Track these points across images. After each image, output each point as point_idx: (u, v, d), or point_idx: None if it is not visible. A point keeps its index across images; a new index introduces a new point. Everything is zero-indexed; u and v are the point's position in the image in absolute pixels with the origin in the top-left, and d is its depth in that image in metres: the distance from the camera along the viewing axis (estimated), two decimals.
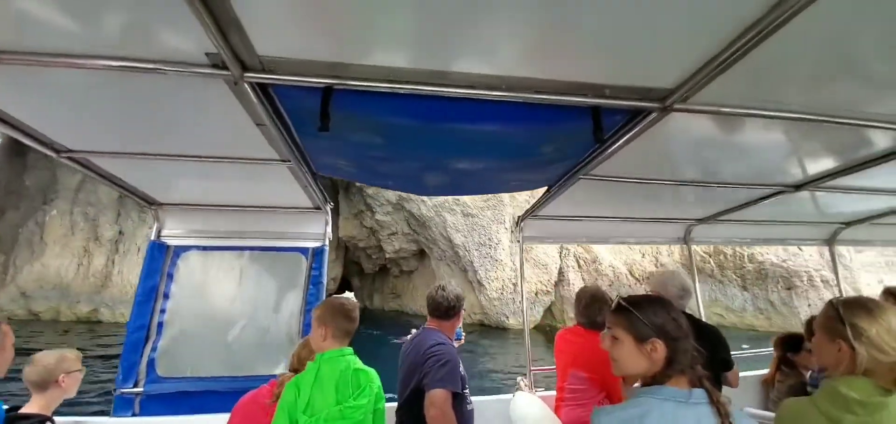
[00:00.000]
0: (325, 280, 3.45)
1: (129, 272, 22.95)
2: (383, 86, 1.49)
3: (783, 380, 3.37)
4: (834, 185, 2.69)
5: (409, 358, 2.34)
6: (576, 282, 23.18)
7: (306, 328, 3.24)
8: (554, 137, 1.95)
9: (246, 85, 1.46)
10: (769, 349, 4.67)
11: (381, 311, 33.41)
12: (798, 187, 2.76)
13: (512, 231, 22.82)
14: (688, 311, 2.65)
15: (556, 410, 2.68)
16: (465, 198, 21.91)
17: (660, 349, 1.25)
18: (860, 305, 1.39)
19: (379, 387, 2.09)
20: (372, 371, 2.10)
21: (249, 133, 1.93)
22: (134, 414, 2.98)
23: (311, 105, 1.53)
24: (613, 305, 1.40)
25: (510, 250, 22.86)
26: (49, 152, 2.07)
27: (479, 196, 21.88)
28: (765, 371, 3.76)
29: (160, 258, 3.25)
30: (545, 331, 22.31)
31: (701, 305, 3.91)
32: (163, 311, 3.17)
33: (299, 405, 1.94)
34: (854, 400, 1.28)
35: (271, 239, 3.48)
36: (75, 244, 22.84)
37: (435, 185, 2.73)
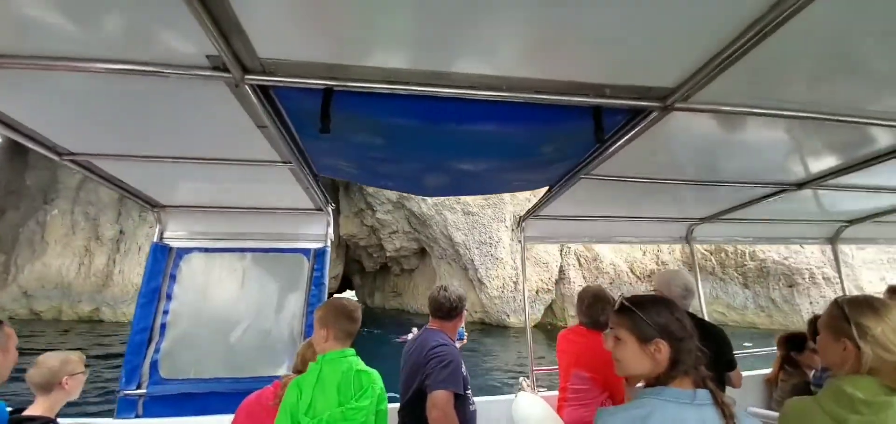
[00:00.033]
0: (326, 281, 3.44)
1: (130, 271, 23.02)
2: (383, 87, 1.49)
3: (787, 380, 3.35)
4: (836, 183, 2.68)
5: (412, 359, 2.34)
6: (576, 280, 23.22)
7: (308, 329, 3.25)
8: (554, 137, 1.94)
9: (247, 87, 1.46)
10: (765, 349, 4.68)
11: (382, 309, 33.49)
12: (800, 185, 2.75)
13: (512, 229, 22.83)
14: (690, 310, 2.67)
15: (559, 410, 2.68)
16: (466, 197, 21.92)
17: (664, 349, 1.23)
18: (866, 304, 1.38)
19: (381, 388, 2.09)
20: (374, 373, 2.10)
21: (251, 135, 1.93)
22: (137, 416, 2.99)
23: (312, 107, 1.53)
24: (616, 305, 1.38)
25: (511, 249, 22.89)
26: (51, 155, 2.07)
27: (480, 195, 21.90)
28: (767, 371, 3.75)
29: (163, 260, 3.25)
30: (546, 329, 22.36)
31: (704, 304, 3.90)
32: (166, 313, 3.18)
33: (301, 406, 1.94)
34: (859, 400, 1.27)
35: (273, 240, 3.48)
36: (76, 244, 22.92)
37: (436, 185, 2.73)
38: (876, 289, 19.28)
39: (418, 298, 29.20)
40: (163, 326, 3.14)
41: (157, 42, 1.30)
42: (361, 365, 2.09)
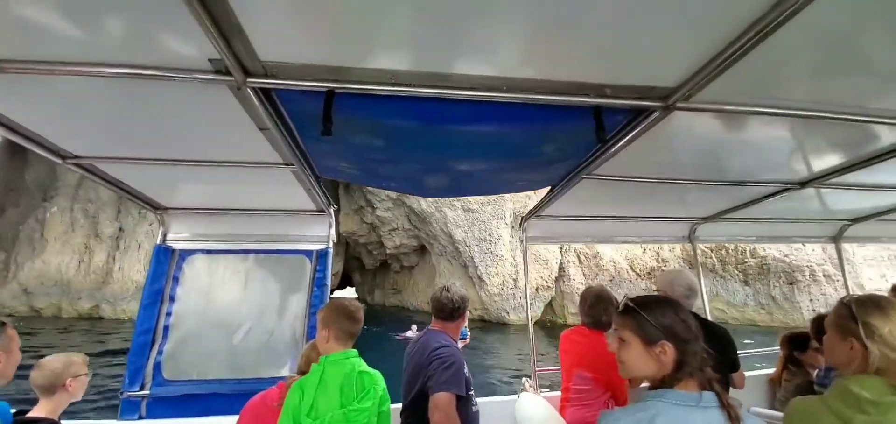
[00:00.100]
0: (329, 282, 3.45)
1: (130, 269, 23.03)
2: (385, 89, 1.49)
3: (790, 379, 3.34)
4: (839, 181, 2.67)
5: (414, 360, 2.33)
6: (576, 277, 23.23)
7: (311, 330, 3.25)
8: (556, 137, 1.94)
9: (249, 90, 1.47)
10: (765, 350, 4.68)
11: (382, 307, 33.53)
12: (803, 184, 2.75)
13: (512, 227, 22.83)
14: (693, 310, 2.67)
15: (561, 410, 2.68)
16: None
17: (669, 351, 1.22)
18: (873, 303, 1.37)
19: (384, 389, 2.08)
20: (377, 374, 2.09)
21: (253, 137, 1.93)
22: (141, 417, 2.99)
23: (314, 109, 1.53)
24: (620, 306, 1.37)
25: (511, 246, 22.89)
26: (55, 159, 2.08)
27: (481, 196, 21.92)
28: (768, 371, 3.74)
29: (166, 262, 3.25)
30: (545, 326, 22.38)
31: (707, 304, 3.90)
32: (169, 314, 3.18)
33: (303, 407, 1.93)
34: (866, 400, 1.27)
35: (275, 242, 3.48)
36: (76, 241, 22.91)
37: (437, 186, 2.73)
38: (877, 286, 19.34)
39: (418, 295, 29.23)
40: (166, 327, 3.14)
41: (160, 46, 1.30)
42: (364, 366, 2.08)
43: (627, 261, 23.72)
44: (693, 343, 1.24)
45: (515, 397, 3.22)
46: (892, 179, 2.76)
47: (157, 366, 3.06)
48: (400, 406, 2.36)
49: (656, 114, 1.65)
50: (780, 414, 2.83)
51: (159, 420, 2.93)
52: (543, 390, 3.35)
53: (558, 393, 2.91)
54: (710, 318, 3.58)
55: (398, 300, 32.56)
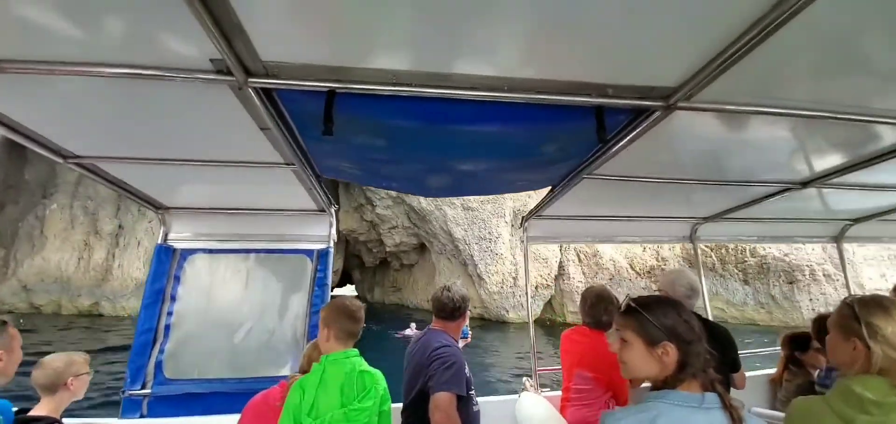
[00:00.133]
0: (330, 282, 3.45)
1: (130, 266, 23.02)
2: (386, 89, 1.49)
3: (791, 380, 3.33)
4: (841, 181, 2.67)
5: (415, 360, 2.33)
6: (576, 276, 23.24)
7: (312, 330, 3.25)
8: (557, 137, 1.94)
9: (250, 90, 1.47)
10: (765, 350, 4.67)
11: (382, 304, 33.54)
12: (805, 184, 2.75)
13: (512, 225, 22.83)
14: (695, 310, 2.67)
15: (562, 410, 2.68)
16: None
17: (671, 352, 1.21)
18: (876, 303, 1.37)
19: (384, 389, 2.08)
20: (378, 373, 2.09)
21: (254, 137, 1.93)
22: (142, 416, 3.00)
23: (315, 109, 1.53)
24: (623, 306, 1.36)
25: (510, 244, 22.88)
26: (56, 159, 2.08)
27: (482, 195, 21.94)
28: (768, 371, 3.74)
29: (167, 261, 3.25)
30: (545, 325, 22.39)
31: (708, 303, 3.90)
32: (170, 314, 3.18)
33: (304, 407, 1.93)
34: (869, 400, 1.26)
35: (276, 241, 3.49)
36: (75, 238, 22.89)
37: (438, 186, 2.73)
38: (876, 285, 19.35)
39: (418, 293, 29.25)
40: (167, 327, 3.15)
41: (161, 46, 1.30)
42: (365, 366, 2.08)
43: (627, 260, 23.71)
44: (696, 344, 1.23)
45: (516, 396, 3.23)
46: (894, 179, 2.76)
47: (159, 365, 3.06)
48: (400, 405, 2.37)
49: (657, 114, 1.65)
50: (781, 415, 2.84)
51: (161, 419, 2.94)
52: (544, 389, 3.35)
53: (559, 393, 2.92)
54: (710, 316, 3.58)
55: (398, 297, 32.57)
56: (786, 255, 21.35)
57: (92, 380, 2.33)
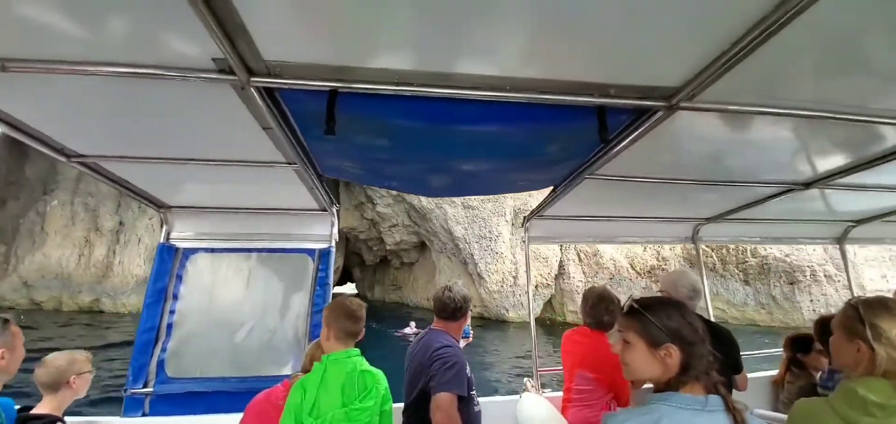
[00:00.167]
0: (331, 281, 3.45)
1: (130, 262, 23.07)
2: (388, 88, 1.49)
3: (793, 381, 3.32)
4: (844, 182, 2.66)
5: (416, 360, 2.33)
6: (576, 275, 23.25)
7: (313, 329, 3.25)
8: (559, 137, 1.93)
9: (252, 89, 1.46)
10: (765, 351, 4.66)
11: (382, 303, 33.59)
12: (807, 184, 2.74)
13: (512, 224, 22.83)
14: (697, 311, 2.66)
15: (563, 411, 2.68)
16: None
17: (675, 354, 1.19)
18: (881, 305, 1.36)
19: (386, 389, 2.08)
20: (379, 373, 2.09)
21: (256, 137, 1.93)
22: (144, 414, 3.00)
23: (317, 108, 1.53)
24: (625, 307, 1.35)
25: (510, 243, 22.90)
26: (59, 157, 2.08)
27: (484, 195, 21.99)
28: (772, 373, 3.73)
29: (169, 260, 3.25)
30: (545, 324, 22.41)
31: (709, 304, 3.89)
32: (172, 312, 3.18)
33: (305, 406, 1.93)
34: (872, 402, 1.26)
35: (278, 241, 3.48)
36: (76, 235, 22.94)
37: (440, 186, 2.72)
38: (877, 286, 19.32)
39: (418, 291, 29.29)
40: (169, 326, 3.15)
41: (163, 45, 1.30)
42: (366, 365, 2.08)
43: (628, 260, 23.72)
44: (699, 346, 1.22)
45: (517, 397, 3.23)
46: None
47: (161, 364, 3.07)
48: (401, 405, 2.37)
49: (660, 114, 1.64)
50: (784, 416, 2.84)
51: (163, 417, 2.94)
52: (545, 390, 3.35)
53: (560, 394, 2.91)
54: (712, 317, 3.57)
55: (398, 296, 32.62)
56: (787, 255, 21.33)
57: (94, 377, 2.34)
